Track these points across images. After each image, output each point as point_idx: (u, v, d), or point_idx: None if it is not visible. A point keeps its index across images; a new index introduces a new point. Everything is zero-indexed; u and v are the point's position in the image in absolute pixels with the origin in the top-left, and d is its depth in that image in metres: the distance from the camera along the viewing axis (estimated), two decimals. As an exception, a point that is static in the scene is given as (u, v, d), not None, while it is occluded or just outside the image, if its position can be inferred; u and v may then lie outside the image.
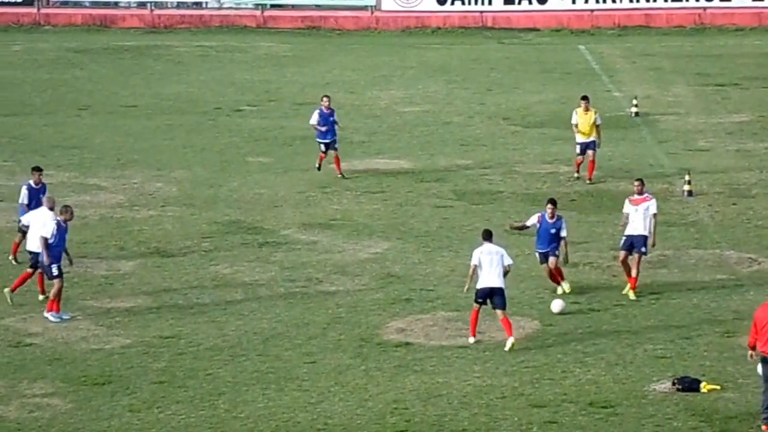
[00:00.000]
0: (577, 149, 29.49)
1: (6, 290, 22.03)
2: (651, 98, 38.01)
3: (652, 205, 22.77)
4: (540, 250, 22.35)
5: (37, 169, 23.94)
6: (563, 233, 22.21)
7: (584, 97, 29.51)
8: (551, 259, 22.28)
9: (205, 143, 33.51)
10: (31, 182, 23.73)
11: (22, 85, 39.81)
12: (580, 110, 29.36)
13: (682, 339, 20.84)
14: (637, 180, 23.39)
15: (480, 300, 20.46)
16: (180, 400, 18.62)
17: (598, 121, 29.40)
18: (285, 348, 20.52)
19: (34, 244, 21.74)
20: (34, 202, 23.35)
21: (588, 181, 29.50)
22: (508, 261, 20.59)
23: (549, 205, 22.30)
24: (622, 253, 22.62)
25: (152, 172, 30.70)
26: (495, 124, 35.57)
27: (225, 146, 33.26)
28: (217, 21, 48.82)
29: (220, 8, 49.63)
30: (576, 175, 29.68)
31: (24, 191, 23.67)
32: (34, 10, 48.66)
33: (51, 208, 21.95)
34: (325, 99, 29.92)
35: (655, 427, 17.86)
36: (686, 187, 28.80)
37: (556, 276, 22.60)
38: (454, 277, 23.62)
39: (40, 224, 21.56)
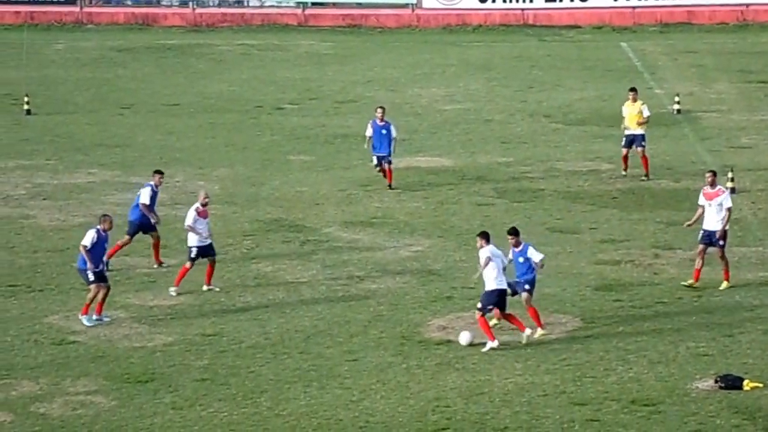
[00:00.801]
0: (623, 141, 29.39)
1: (172, 289, 22.52)
2: (693, 95, 37.77)
3: (726, 200, 22.68)
4: (516, 279, 20.62)
5: (160, 173, 24.25)
6: (535, 258, 20.38)
7: (632, 89, 29.68)
8: (524, 295, 20.42)
9: (247, 142, 33.63)
10: (153, 183, 23.94)
11: (65, 83, 40.14)
12: (628, 102, 29.48)
13: (724, 336, 20.70)
14: (709, 171, 23.18)
15: (492, 305, 20.07)
16: (222, 398, 18.70)
17: (645, 113, 29.35)
18: (327, 346, 20.56)
19: (193, 239, 22.43)
20: (153, 205, 23.81)
21: (644, 178, 29.30)
22: (506, 261, 20.39)
23: (509, 237, 20.59)
24: (700, 246, 22.61)
25: (194, 170, 30.85)
26: (536, 121, 35.48)
27: (266, 144, 33.37)
28: (259, 19, 48.98)
29: (261, 6, 49.79)
30: (624, 173, 29.44)
31: (147, 191, 23.82)
32: (76, 9, 49.03)
33: (204, 205, 22.61)
34: (378, 111, 28.80)
35: (697, 425, 17.76)
36: (729, 185, 28.58)
37: (516, 318, 20.29)
38: (496, 275, 23.57)
39: (190, 219, 22.54)
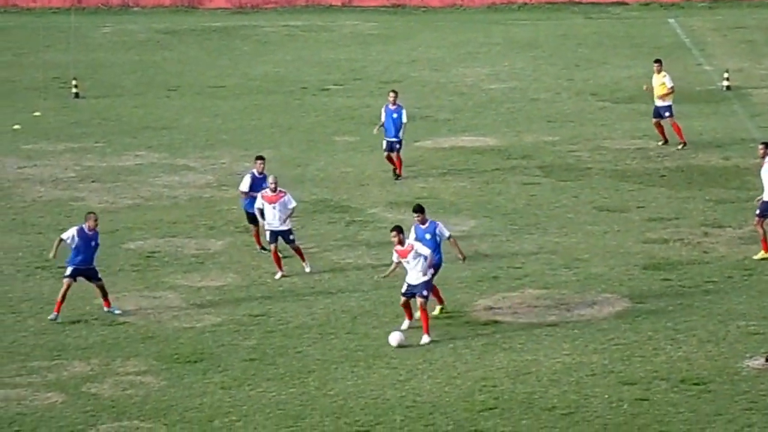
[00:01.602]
0: (653, 112, 30.10)
1: (278, 275, 22.34)
2: (743, 71, 37.36)
3: (764, 171, 22.73)
4: None
5: (261, 158, 23.74)
6: (446, 234, 20.29)
7: (656, 60, 30.38)
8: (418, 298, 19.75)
9: (292, 123, 33.69)
10: (255, 171, 23.57)
11: (112, 67, 40.37)
12: (654, 74, 30.13)
13: (775, 316, 20.53)
14: (762, 144, 23.19)
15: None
16: (270, 378, 18.79)
17: (668, 83, 29.75)
18: (373, 326, 20.58)
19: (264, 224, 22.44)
20: (257, 191, 23.46)
21: (681, 146, 29.49)
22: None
23: (414, 215, 20.43)
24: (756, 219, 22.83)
25: (240, 152, 30.95)
26: (583, 99, 35.27)
27: (311, 125, 33.41)
28: (303, 0, 48.97)
29: (305, -12, 49.75)
30: (659, 143, 29.82)
31: (247, 179, 23.59)
32: (123, -7, 49.30)
33: (273, 190, 22.31)
34: (391, 95, 28.20)
35: (748, 403, 17.62)
36: (778, 162, 28.34)
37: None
38: (542, 255, 23.51)
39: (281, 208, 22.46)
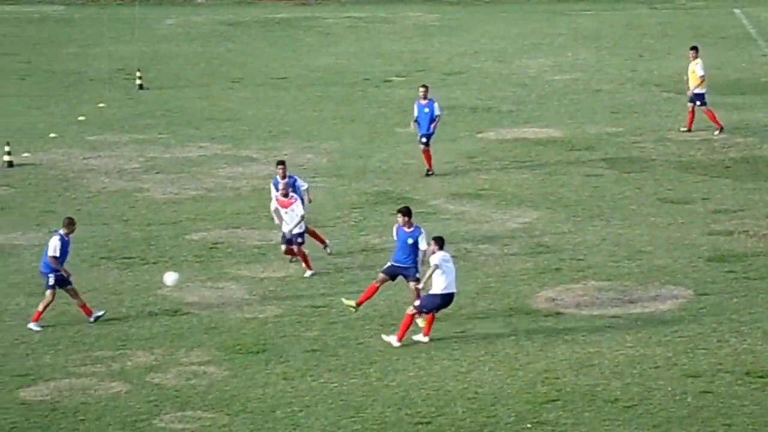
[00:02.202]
0: (690, 97, 30.46)
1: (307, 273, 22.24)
2: (810, 61, 36.87)
3: None
4: (394, 262, 20.05)
5: (281, 163, 23.25)
6: (421, 246, 19.88)
7: (692, 47, 30.70)
8: (411, 284, 19.84)
9: (354, 114, 33.75)
10: (278, 176, 23.10)
11: (177, 58, 40.69)
12: (690, 60, 30.43)
13: (843, 309, 20.22)
14: None
15: (433, 309, 19.37)
16: (332, 369, 18.86)
17: (699, 72, 29.86)
18: (434, 318, 20.57)
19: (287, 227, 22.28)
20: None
21: (716, 133, 29.62)
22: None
23: (399, 216, 20.13)
24: None
25: (302, 143, 31.08)
26: (647, 90, 34.98)
27: (374, 117, 33.44)
28: (365, -8, 49.01)
29: (367, -21, 49.79)
30: (681, 129, 30.17)
31: (272, 187, 23.21)
32: (187, -14, 49.59)
33: (285, 195, 22.14)
34: (421, 90, 27.89)
35: (814, 399, 17.40)
36: None
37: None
38: (605, 246, 23.37)
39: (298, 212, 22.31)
